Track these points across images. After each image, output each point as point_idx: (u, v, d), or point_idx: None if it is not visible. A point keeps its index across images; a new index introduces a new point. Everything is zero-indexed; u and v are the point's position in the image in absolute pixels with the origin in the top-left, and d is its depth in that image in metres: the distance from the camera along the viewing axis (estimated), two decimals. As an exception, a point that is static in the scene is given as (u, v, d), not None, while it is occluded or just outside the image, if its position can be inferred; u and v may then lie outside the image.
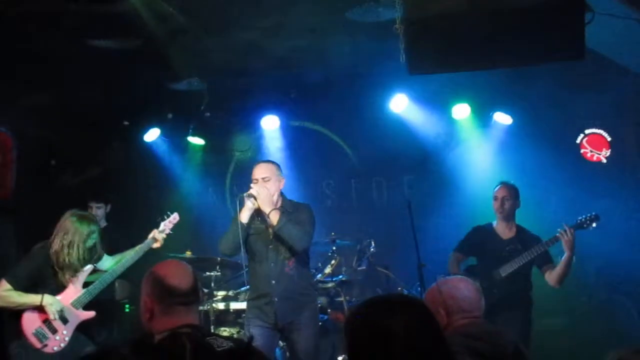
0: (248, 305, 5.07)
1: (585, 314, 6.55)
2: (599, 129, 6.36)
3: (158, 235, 5.32)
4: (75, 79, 6.16)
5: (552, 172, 6.60)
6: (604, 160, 6.30)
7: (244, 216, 4.80)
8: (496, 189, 5.74)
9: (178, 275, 2.61)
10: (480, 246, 5.73)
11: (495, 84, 6.37)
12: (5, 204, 6.33)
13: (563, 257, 5.28)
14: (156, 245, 5.29)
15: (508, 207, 5.64)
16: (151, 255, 5.25)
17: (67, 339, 4.65)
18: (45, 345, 4.58)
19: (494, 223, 5.77)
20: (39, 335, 4.59)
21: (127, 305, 7.03)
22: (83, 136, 7.31)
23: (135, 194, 7.63)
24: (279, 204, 4.89)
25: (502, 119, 7.04)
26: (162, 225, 5.40)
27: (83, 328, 4.86)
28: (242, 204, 4.81)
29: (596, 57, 5.41)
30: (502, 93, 6.73)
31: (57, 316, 4.61)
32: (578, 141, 6.34)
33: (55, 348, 4.60)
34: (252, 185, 4.88)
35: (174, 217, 5.48)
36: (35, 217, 5.85)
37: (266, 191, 4.79)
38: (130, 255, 5.04)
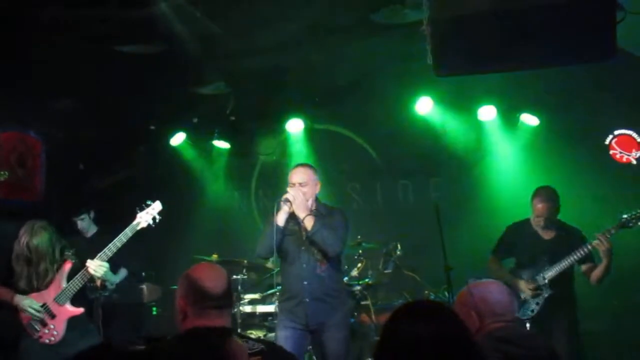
0: (279, 307, 5.10)
1: (625, 316, 6.37)
2: (628, 129, 6.26)
3: (129, 231, 4.86)
4: (103, 84, 6.23)
5: (580, 174, 6.51)
6: (634, 162, 6.18)
7: (280, 219, 4.83)
8: (536, 198, 5.50)
9: (212, 278, 2.63)
10: (519, 246, 5.56)
11: (522, 85, 6.31)
12: (34, 207, 6.41)
13: (601, 264, 5.18)
14: (91, 271, 4.79)
15: (554, 215, 5.45)
16: (182, 258, 5.23)
17: (56, 332, 4.81)
18: (40, 337, 4.81)
19: (533, 220, 5.55)
20: (31, 327, 4.82)
21: (154, 308, 7.09)
22: (110, 140, 7.39)
23: (161, 198, 7.69)
24: (313, 208, 4.92)
25: (529, 120, 6.97)
26: (137, 217, 4.94)
27: (112, 330, 4.92)
28: (279, 208, 4.84)
29: (626, 57, 5.33)
30: (528, 94, 6.66)
31: (31, 312, 4.77)
32: (607, 142, 6.23)
33: (47, 340, 4.81)
34: (288, 189, 4.90)
35: (154, 207, 5.00)
36: (64, 220, 5.92)
37: (302, 196, 4.82)
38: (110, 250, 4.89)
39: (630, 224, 5.10)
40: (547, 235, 5.50)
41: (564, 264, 5.26)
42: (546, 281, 5.30)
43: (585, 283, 5.47)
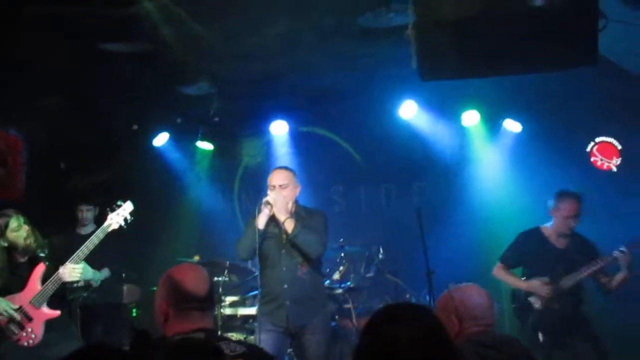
0: (259, 309, 5.08)
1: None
2: (609, 137, 6.33)
3: (100, 234, 4.77)
4: (86, 83, 6.18)
5: (562, 180, 6.55)
6: (615, 169, 6.25)
7: (261, 222, 4.81)
8: (565, 203, 5.25)
9: (195, 280, 2.60)
10: (531, 255, 5.37)
11: (505, 91, 6.35)
12: (15, 206, 6.35)
13: (619, 275, 5.08)
14: (65, 278, 4.70)
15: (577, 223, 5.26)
16: (163, 259, 5.17)
17: (34, 335, 4.72)
18: (18, 340, 4.72)
19: (544, 229, 5.41)
20: (9, 331, 4.72)
21: (134, 309, 7.03)
22: (92, 140, 7.34)
23: (144, 199, 7.65)
24: (293, 210, 4.91)
25: (512, 126, 7.03)
26: (108, 219, 4.88)
27: (91, 331, 4.85)
28: (259, 210, 4.82)
29: (607, 64, 5.39)
30: (512, 100, 6.71)
31: (5, 315, 4.67)
32: (588, 149, 6.30)
33: (25, 343, 4.71)
34: (268, 192, 4.89)
35: (124, 208, 4.91)
36: (45, 219, 5.86)
37: (282, 199, 4.82)
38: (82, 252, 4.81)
39: None
40: (560, 244, 5.33)
41: (583, 273, 5.10)
42: (563, 289, 5.14)
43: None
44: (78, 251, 4.75)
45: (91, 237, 4.79)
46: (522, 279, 5.44)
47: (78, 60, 5.70)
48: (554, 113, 6.69)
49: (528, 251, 5.40)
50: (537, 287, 5.23)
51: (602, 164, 6.34)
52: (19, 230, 4.78)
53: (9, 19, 4.95)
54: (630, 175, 6.23)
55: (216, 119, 7.41)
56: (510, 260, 5.49)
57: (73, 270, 4.70)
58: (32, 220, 4.94)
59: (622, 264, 5.05)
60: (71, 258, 4.74)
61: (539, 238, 5.38)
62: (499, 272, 5.48)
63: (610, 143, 6.35)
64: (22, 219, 4.83)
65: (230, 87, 6.86)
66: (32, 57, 5.53)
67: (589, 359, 5.04)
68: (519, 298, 5.39)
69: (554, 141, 6.72)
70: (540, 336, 5.12)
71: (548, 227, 5.40)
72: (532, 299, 5.28)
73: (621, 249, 5.03)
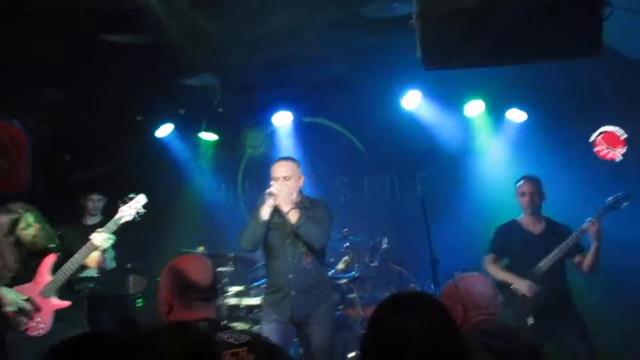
0: (265, 300, 5.11)
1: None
2: (614, 126, 6.30)
3: (103, 235, 4.63)
4: (89, 74, 6.17)
5: (566, 170, 6.55)
6: (619, 158, 6.22)
7: (265, 213, 4.83)
8: (520, 184, 5.61)
9: (199, 270, 2.62)
10: (511, 245, 5.57)
11: (510, 81, 6.33)
12: (19, 199, 6.35)
13: (591, 247, 5.23)
14: (97, 242, 4.60)
15: (537, 201, 5.53)
16: (168, 250, 5.18)
17: (43, 325, 4.68)
18: (27, 330, 4.68)
19: (520, 219, 5.64)
20: (18, 321, 4.68)
21: (139, 300, 7.05)
22: (96, 131, 7.34)
23: (147, 190, 7.65)
24: (297, 201, 4.92)
25: (516, 115, 7.01)
26: (119, 211, 4.76)
27: (97, 321, 4.86)
28: (263, 201, 4.83)
29: (612, 53, 5.36)
30: (516, 90, 6.69)
31: (14, 306, 4.64)
32: (592, 139, 6.27)
33: (35, 333, 4.67)
34: (272, 182, 4.89)
35: (137, 200, 4.79)
36: (49, 212, 5.86)
37: (286, 189, 4.84)
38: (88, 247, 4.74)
39: (616, 206, 5.21)
40: (536, 229, 5.54)
41: (558, 254, 5.27)
42: (543, 272, 5.29)
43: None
44: (108, 223, 4.67)
45: (106, 225, 4.72)
46: (507, 265, 5.62)
47: (81, 52, 5.69)
48: (558, 102, 6.66)
49: (508, 241, 5.59)
50: (521, 285, 5.32)
51: (607, 153, 6.30)
52: (27, 229, 4.74)
53: (11, 11, 4.95)
54: (635, 164, 6.20)
55: (220, 110, 7.39)
56: (496, 250, 5.63)
57: (106, 240, 4.62)
58: (41, 214, 4.91)
59: (591, 235, 5.20)
60: (104, 227, 4.66)
61: (515, 227, 5.62)
62: (488, 267, 5.57)
63: (615, 132, 6.31)
64: (31, 218, 4.74)
65: (234, 78, 6.86)
66: (34, 49, 5.52)
67: (579, 347, 5.17)
68: (504, 290, 5.44)
69: (559, 130, 6.70)
70: (529, 320, 5.20)
71: (521, 216, 5.63)
72: (516, 286, 5.38)
73: (589, 219, 5.19)
